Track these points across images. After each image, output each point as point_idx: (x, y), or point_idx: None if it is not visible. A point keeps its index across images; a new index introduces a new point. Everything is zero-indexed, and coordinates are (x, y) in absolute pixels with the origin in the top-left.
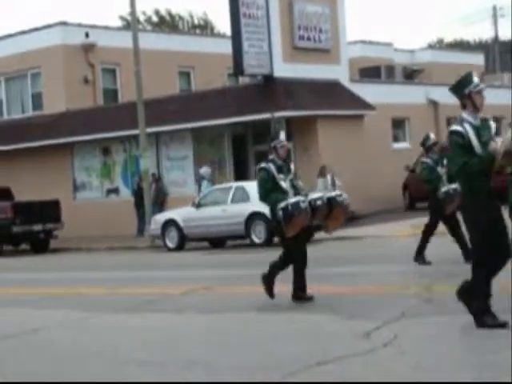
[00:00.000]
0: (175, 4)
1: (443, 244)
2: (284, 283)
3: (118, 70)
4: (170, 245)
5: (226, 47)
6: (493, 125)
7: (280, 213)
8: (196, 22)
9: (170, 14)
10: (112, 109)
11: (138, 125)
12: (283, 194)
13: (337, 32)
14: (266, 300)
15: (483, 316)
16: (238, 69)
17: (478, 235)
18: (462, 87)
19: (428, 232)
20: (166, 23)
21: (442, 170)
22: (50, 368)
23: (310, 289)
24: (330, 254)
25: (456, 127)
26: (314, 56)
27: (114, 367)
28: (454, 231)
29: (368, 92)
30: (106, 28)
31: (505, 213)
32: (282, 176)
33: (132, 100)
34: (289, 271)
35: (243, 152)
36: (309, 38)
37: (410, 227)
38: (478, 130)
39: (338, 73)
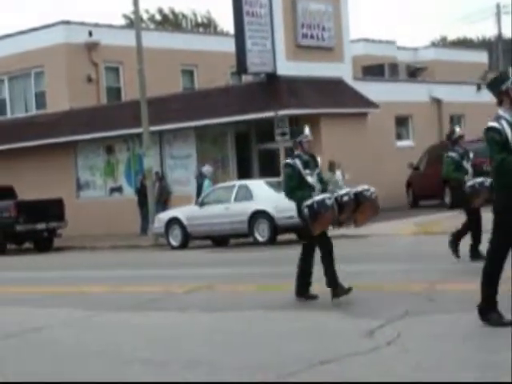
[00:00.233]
0: (178, 2)
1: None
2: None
3: (121, 69)
4: (174, 243)
5: (230, 45)
6: None
7: (306, 210)
8: (199, 20)
9: (173, 12)
10: (115, 107)
11: (142, 123)
12: (310, 189)
13: (340, 30)
14: (269, 298)
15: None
16: (241, 67)
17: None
18: (499, 84)
19: (472, 227)
20: (169, 22)
21: (467, 164)
22: (52, 367)
23: (316, 287)
24: (334, 253)
25: (493, 124)
26: (317, 54)
27: (116, 366)
28: (473, 226)
29: (371, 90)
30: (110, 26)
31: None
32: (308, 171)
33: (135, 98)
34: (291, 271)
35: (247, 150)
36: (312, 36)
37: (414, 225)
38: None
39: (342, 71)
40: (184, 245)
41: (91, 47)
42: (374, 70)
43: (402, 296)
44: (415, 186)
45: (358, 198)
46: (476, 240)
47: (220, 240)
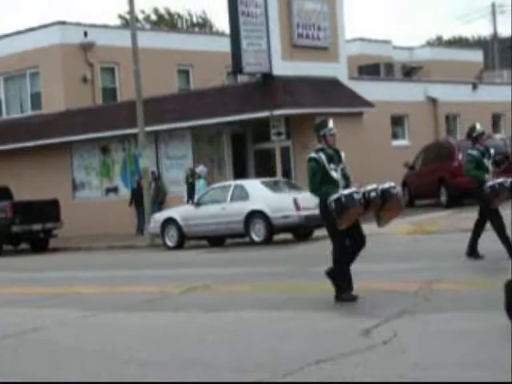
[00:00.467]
0: (174, 3)
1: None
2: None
3: (116, 69)
4: (170, 243)
5: (225, 45)
6: None
7: (332, 204)
8: (195, 20)
9: (168, 12)
10: (111, 108)
11: (137, 123)
12: (334, 185)
13: (335, 30)
14: (264, 298)
15: None
16: (236, 67)
17: None
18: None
19: (480, 224)
20: (165, 22)
21: (488, 162)
22: (49, 367)
23: (312, 286)
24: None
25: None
26: (312, 54)
27: (113, 366)
28: (482, 224)
29: (367, 89)
30: (105, 27)
31: None
32: (332, 166)
33: (131, 99)
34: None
35: (242, 150)
36: (307, 36)
37: (410, 224)
38: None
39: (337, 70)
40: (180, 245)
41: (87, 48)
42: (370, 70)
43: (398, 295)
44: (411, 185)
45: (385, 195)
46: (476, 238)
47: (216, 240)
